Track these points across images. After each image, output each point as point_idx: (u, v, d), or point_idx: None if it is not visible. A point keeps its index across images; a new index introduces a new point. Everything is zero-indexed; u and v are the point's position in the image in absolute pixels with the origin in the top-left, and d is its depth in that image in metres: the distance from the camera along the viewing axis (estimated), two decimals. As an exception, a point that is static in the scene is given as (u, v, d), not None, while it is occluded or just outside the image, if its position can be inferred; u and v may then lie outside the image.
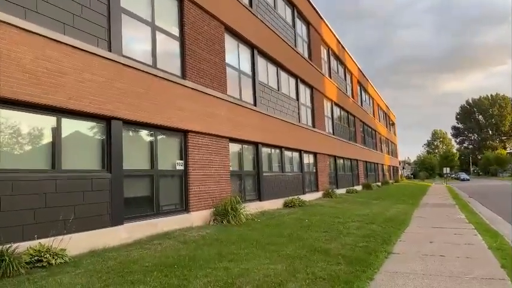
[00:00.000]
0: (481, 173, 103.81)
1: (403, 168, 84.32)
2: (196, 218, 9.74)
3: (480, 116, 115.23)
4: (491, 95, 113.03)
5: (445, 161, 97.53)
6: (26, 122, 6.30)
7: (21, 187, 5.86)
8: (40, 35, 6.21)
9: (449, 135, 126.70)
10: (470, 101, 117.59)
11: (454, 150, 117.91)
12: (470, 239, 8.23)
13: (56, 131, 6.65)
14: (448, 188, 35.88)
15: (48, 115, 6.54)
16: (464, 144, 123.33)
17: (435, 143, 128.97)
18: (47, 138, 6.60)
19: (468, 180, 70.43)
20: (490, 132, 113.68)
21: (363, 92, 36.29)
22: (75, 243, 6.31)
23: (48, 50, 6.35)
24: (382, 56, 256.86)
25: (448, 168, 60.29)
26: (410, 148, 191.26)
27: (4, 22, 5.72)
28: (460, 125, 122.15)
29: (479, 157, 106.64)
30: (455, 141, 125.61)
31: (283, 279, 5.05)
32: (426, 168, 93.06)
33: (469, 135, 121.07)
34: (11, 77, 5.76)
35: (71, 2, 6.92)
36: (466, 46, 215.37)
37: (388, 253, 6.85)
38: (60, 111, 6.65)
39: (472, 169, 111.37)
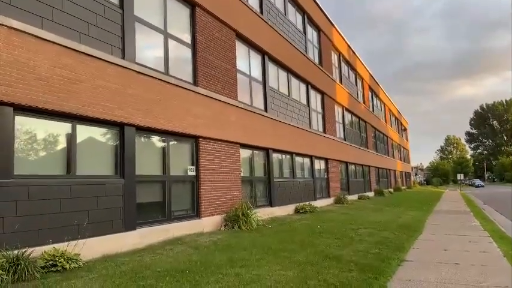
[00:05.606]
0: (496, 180, 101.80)
1: (416, 174, 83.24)
2: (208, 223, 9.77)
3: (494, 122, 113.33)
4: (505, 100, 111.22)
5: (459, 167, 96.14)
6: (42, 128, 6.43)
7: (37, 192, 5.97)
8: (56, 43, 6.36)
9: (463, 141, 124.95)
10: (484, 106, 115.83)
11: (468, 156, 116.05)
12: (485, 247, 8.08)
13: (71, 137, 6.77)
14: (462, 195, 35.29)
15: (63, 121, 6.66)
16: (479, 150, 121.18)
17: (449, 149, 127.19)
18: (62, 144, 6.73)
19: (483, 186, 69.26)
20: (505, 137, 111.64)
21: (374, 97, 36.07)
22: (89, 248, 6.39)
23: (64, 58, 6.49)
24: (395, 61, 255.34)
25: (462, 175, 59.29)
26: (423, 154, 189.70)
27: (22, 31, 5.87)
28: (474, 131, 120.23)
29: (494, 163, 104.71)
30: (470, 147, 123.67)
31: (294, 286, 5.04)
32: (439, 175, 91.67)
33: (484, 140, 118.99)
34: (28, 84, 5.90)
35: (86, 11, 7.08)
36: (480, 51, 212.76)
37: (401, 260, 6.77)
38: (75, 118, 6.78)
39: (486, 175, 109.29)
